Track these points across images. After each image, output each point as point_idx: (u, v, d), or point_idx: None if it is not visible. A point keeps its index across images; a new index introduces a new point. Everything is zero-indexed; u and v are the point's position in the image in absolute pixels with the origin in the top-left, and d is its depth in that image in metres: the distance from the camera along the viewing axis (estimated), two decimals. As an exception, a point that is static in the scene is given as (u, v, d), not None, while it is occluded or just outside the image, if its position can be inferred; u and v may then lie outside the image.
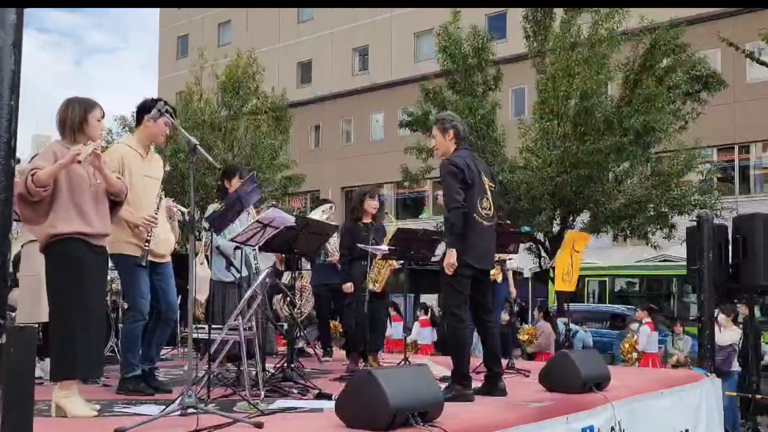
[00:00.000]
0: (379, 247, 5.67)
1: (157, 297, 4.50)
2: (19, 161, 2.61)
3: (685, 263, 7.26)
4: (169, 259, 4.61)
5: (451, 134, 4.65)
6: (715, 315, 7.49)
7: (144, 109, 4.46)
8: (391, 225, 6.02)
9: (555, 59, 14.16)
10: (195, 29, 35.53)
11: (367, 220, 6.09)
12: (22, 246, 4.92)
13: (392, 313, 12.50)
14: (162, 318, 4.54)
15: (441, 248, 4.68)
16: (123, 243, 4.30)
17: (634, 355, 11.58)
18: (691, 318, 14.38)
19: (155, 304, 4.51)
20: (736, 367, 8.50)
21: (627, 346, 11.84)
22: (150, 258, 4.38)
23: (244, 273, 5.07)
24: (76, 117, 3.72)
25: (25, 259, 4.82)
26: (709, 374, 6.24)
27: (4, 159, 1.97)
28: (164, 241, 4.52)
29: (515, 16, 17.25)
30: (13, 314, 4.92)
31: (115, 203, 3.89)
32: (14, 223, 3.83)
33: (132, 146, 4.47)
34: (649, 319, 11.92)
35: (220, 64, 20.14)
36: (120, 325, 6.96)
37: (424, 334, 13.53)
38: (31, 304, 4.60)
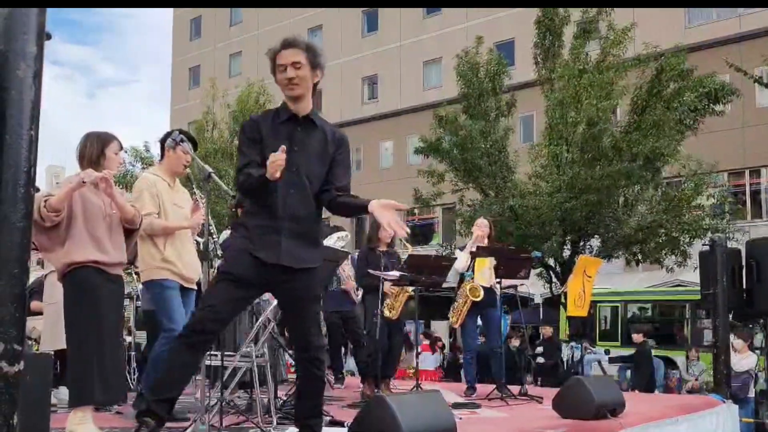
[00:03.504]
0: (389, 272, 5.69)
1: None
2: (38, 190, 2.66)
3: (698, 288, 7.20)
4: (195, 285, 4.60)
5: (318, 76, 3.35)
6: (731, 340, 7.41)
7: (166, 141, 4.59)
8: (407, 251, 6.06)
9: (564, 85, 14.25)
10: (206, 60, 36.04)
11: (383, 248, 6.18)
12: (45, 276, 5.02)
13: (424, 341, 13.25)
14: None
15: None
16: (152, 269, 4.34)
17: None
18: (705, 343, 14.20)
19: None
20: (753, 393, 8.39)
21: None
22: (180, 281, 4.41)
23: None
24: (94, 151, 3.82)
25: (49, 287, 4.93)
26: (725, 400, 6.16)
27: (24, 188, 1.99)
28: (191, 264, 4.53)
29: (523, 44, 17.41)
30: (30, 343, 5.03)
31: (131, 231, 3.93)
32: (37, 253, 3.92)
33: (159, 175, 4.57)
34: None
35: (231, 94, 20.45)
36: (131, 353, 7.08)
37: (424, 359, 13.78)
38: (53, 331, 4.69)
